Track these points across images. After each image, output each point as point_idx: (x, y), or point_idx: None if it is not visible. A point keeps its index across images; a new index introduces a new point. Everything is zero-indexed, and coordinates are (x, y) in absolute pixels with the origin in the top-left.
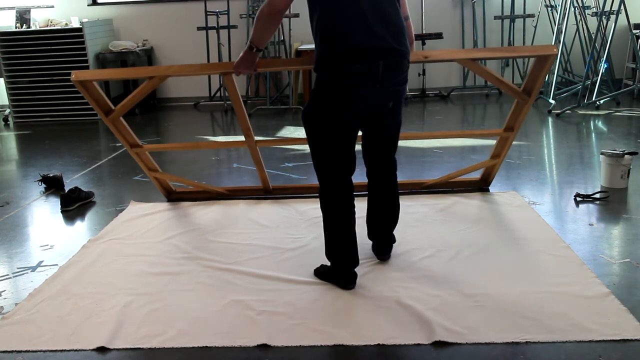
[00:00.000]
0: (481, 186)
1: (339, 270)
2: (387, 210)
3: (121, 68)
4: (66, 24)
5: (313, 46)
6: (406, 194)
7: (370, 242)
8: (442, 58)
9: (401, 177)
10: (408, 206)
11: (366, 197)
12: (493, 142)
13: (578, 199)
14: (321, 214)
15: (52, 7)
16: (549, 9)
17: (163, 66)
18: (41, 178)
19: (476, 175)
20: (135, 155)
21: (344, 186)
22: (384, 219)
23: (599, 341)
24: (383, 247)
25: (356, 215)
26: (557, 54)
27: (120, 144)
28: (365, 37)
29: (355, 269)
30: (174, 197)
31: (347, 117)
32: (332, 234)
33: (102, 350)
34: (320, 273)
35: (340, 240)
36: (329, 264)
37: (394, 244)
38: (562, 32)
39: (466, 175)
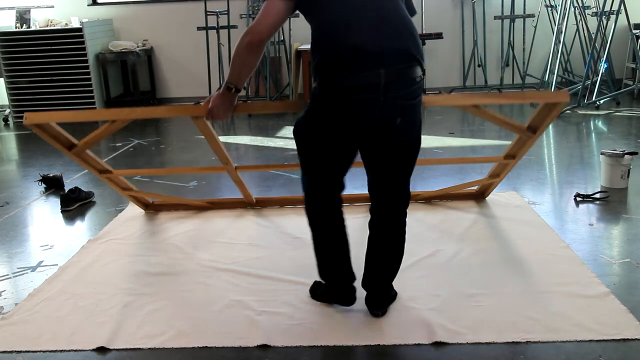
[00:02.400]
0: (477, 198)
1: (335, 288)
2: (386, 257)
3: (80, 111)
4: (66, 24)
5: None
6: None
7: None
8: (444, 104)
9: None
10: None
11: (363, 205)
12: (493, 142)
13: (578, 199)
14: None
15: (52, 7)
16: (549, 9)
17: (126, 109)
18: (41, 178)
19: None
20: (106, 180)
21: (331, 204)
22: (381, 267)
23: (599, 341)
24: (377, 300)
25: (355, 218)
26: (568, 100)
27: (120, 144)
28: (360, 39)
29: (354, 283)
30: (151, 209)
31: (341, 137)
32: (323, 252)
33: (102, 350)
34: (317, 294)
35: (332, 258)
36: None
37: (395, 296)
38: (562, 32)
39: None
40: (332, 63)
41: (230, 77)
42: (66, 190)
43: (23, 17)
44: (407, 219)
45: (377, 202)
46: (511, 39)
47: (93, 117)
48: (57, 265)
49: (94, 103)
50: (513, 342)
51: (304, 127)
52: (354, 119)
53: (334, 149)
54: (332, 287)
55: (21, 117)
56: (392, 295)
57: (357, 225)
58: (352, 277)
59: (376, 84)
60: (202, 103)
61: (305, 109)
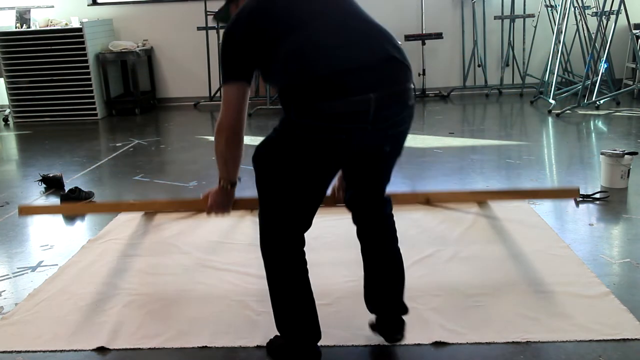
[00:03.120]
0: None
1: (296, 347)
2: (390, 267)
3: (74, 204)
4: (66, 24)
5: None
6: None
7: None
8: (448, 200)
9: (401, 177)
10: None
11: (338, 211)
12: (493, 142)
13: (578, 199)
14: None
15: (52, 7)
16: (549, 9)
17: (125, 204)
18: (41, 178)
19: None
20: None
21: (297, 246)
22: (388, 281)
23: (599, 341)
24: (392, 323)
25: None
26: (578, 195)
27: (120, 144)
28: (341, 57)
29: (319, 344)
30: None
31: (318, 168)
32: (285, 303)
33: (102, 350)
34: (274, 350)
35: (296, 310)
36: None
37: (405, 316)
38: (562, 32)
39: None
40: (307, 86)
41: (221, 174)
42: (66, 190)
43: (23, 17)
44: (408, 219)
45: (362, 212)
46: (511, 39)
47: (89, 211)
48: (57, 265)
49: (94, 103)
50: (513, 342)
51: (268, 156)
52: (334, 149)
53: (307, 182)
54: (293, 345)
55: (21, 117)
56: (405, 311)
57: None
58: (318, 333)
59: (364, 112)
60: (201, 196)
61: (269, 135)
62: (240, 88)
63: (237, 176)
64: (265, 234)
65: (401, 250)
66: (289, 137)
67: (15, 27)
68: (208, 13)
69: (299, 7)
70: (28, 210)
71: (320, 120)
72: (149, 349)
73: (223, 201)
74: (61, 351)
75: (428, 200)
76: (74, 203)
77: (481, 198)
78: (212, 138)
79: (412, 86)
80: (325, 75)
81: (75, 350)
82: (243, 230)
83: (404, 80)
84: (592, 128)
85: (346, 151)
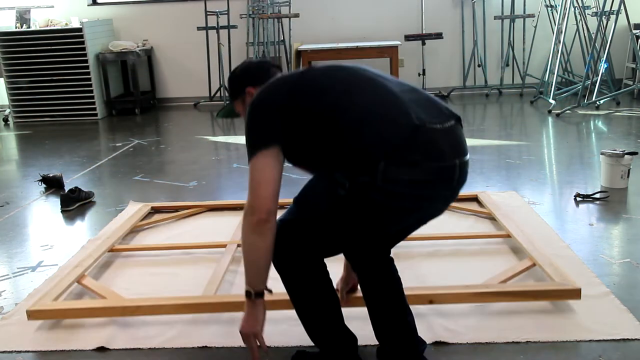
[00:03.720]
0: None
1: (337, 354)
2: (400, 311)
3: (84, 304)
4: (66, 24)
5: (313, 46)
6: None
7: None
8: (450, 302)
9: None
10: None
11: None
12: (493, 142)
13: (578, 199)
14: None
15: (52, 7)
16: (549, 9)
17: (131, 307)
18: (41, 178)
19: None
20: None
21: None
22: (400, 324)
23: (599, 341)
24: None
25: None
26: (580, 296)
27: (120, 144)
28: (424, 117)
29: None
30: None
31: (386, 227)
32: (315, 313)
33: (102, 350)
34: None
35: (329, 318)
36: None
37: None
38: (562, 32)
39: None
40: (396, 150)
41: (247, 279)
42: (66, 190)
43: (23, 17)
44: None
45: (367, 262)
46: (511, 39)
47: (101, 315)
48: (57, 265)
49: (94, 103)
50: (513, 342)
51: (332, 213)
52: (410, 215)
53: (368, 234)
54: (332, 354)
55: (21, 117)
56: (422, 345)
57: None
58: (356, 338)
59: (450, 178)
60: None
61: (328, 190)
62: (274, 153)
63: (264, 284)
64: (294, 251)
65: (401, 251)
66: (363, 201)
67: (15, 27)
68: (208, 13)
69: (343, 80)
70: (38, 315)
71: (408, 187)
72: (149, 349)
73: (251, 319)
74: (61, 351)
75: (431, 301)
76: (84, 305)
77: (485, 299)
78: (212, 138)
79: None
80: (414, 138)
81: (75, 350)
82: None
83: (465, 142)
84: (592, 128)
85: (419, 216)
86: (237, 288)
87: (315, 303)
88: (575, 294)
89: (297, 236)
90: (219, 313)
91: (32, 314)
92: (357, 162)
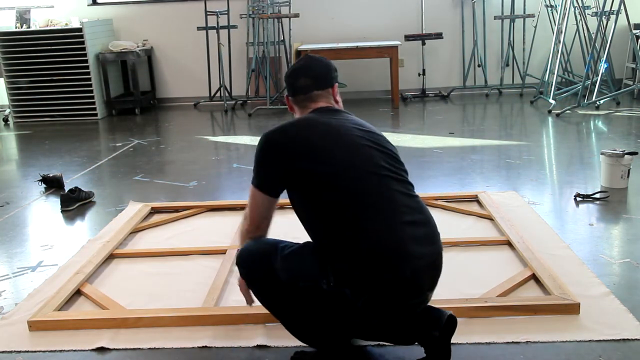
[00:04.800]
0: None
1: (332, 349)
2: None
3: (85, 315)
4: (66, 24)
5: (313, 46)
6: None
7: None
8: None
9: None
10: None
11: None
12: (493, 142)
13: (578, 199)
14: None
15: (52, 7)
16: (549, 9)
17: (132, 318)
18: (41, 178)
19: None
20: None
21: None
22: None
23: (599, 341)
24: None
25: None
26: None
27: (120, 144)
28: (418, 252)
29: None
30: (153, 209)
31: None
32: (286, 320)
33: (102, 350)
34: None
35: (303, 323)
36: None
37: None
38: (562, 32)
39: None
40: (376, 285)
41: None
42: (66, 190)
43: (23, 17)
44: None
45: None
46: (511, 39)
47: (102, 326)
48: (57, 265)
49: (94, 103)
50: (513, 342)
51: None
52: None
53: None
54: (327, 352)
55: (21, 117)
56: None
57: None
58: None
59: (416, 308)
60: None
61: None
62: (270, 200)
63: None
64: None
65: None
66: (336, 305)
67: (15, 27)
68: (208, 13)
69: (356, 188)
70: (40, 325)
71: (381, 311)
72: (149, 349)
73: (243, 290)
74: (61, 351)
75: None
76: (85, 317)
77: (484, 314)
78: (212, 138)
79: None
80: (402, 281)
81: (75, 350)
82: None
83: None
84: (592, 128)
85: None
86: (236, 295)
87: (287, 310)
88: (574, 308)
89: (267, 277)
90: (219, 312)
91: (33, 325)
92: (348, 275)
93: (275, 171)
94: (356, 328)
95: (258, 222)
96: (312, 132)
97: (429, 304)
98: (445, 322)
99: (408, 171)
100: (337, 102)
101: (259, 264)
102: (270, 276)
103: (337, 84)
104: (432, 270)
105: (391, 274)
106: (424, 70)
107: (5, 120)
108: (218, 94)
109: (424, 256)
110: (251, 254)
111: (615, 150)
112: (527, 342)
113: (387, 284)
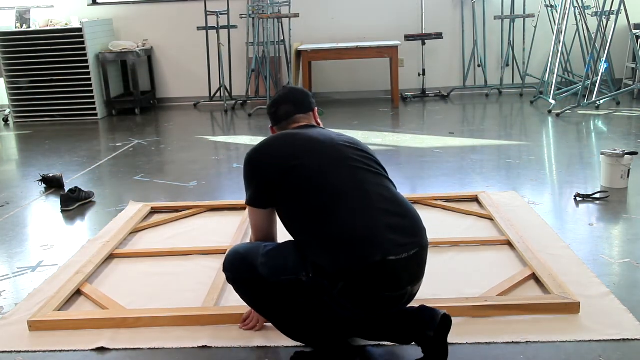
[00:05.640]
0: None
1: (330, 348)
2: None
3: (85, 315)
4: (66, 24)
5: (313, 46)
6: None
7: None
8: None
9: (401, 177)
10: None
11: None
12: (493, 142)
13: (578, 199)
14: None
15: (52, 7)
16: (549, 9)
17: (131, 318)
18: (41, 178)
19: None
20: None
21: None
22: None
23: (599, 341)
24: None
25: None
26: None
27: (120, 144)
28: (395, 247)
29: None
30: (153, 210)
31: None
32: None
33: (102, 350)
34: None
35: (309, 327)
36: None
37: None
38: (562, 32)
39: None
40: (350, 274)
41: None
42: (66, 190)
43: (23, 17)
44: None
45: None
46: (511, 39)
47: (102, 326)
48: (57, 265)
49: (94, 103)
50: (513, 342)
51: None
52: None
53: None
54: (325, 352)
55: (21, 117)
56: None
57: None
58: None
59: (395, 304)
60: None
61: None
62: (264, 212)
63: None
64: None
65: None
66: (315, 295)
67: (15, 27)
68: (208, 13)
69: (334, 188)
70: (40, 325)
71: (356, 305)
72: (149, 349)
73: (254, 322)
74: (61, 351)
75: None
76: (86, 317)
77: (484, 313)
78: (212, 138)
79: None
80: (376, 270)
81: (75, 350)
82: (244, 231)
83: (424, 266)
84: (592, 128)
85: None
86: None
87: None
88: (574, 308)
89: (253, 279)
90: (219, 313)
91: (33, 325)
92: (323, 268)
93: (260, 186)
94: (346, 324)
95: (262, 234)
96: (288, 143)
97: (426, 304)
98: (440, 322)
99: (408, 170)
100: (318, 124)
101: (240, 263)
102: (254, 274)
103: (316, 108)
104: (412, 264)
105: (361, 259)
106: (424, 70)
107: (5, 120)
108: (218, 94)
109: (401, 246)
110: (234, 256)
111: (615, 150)
112: (527, 341)
113: (359, 270)
